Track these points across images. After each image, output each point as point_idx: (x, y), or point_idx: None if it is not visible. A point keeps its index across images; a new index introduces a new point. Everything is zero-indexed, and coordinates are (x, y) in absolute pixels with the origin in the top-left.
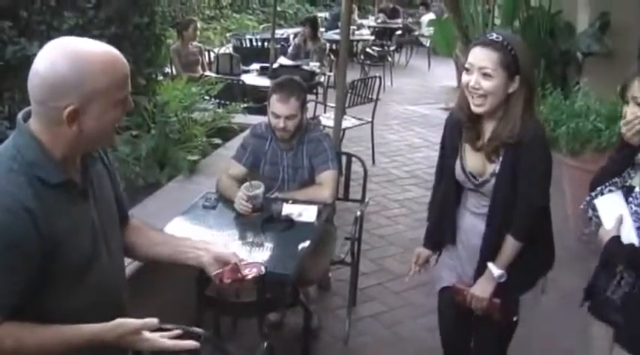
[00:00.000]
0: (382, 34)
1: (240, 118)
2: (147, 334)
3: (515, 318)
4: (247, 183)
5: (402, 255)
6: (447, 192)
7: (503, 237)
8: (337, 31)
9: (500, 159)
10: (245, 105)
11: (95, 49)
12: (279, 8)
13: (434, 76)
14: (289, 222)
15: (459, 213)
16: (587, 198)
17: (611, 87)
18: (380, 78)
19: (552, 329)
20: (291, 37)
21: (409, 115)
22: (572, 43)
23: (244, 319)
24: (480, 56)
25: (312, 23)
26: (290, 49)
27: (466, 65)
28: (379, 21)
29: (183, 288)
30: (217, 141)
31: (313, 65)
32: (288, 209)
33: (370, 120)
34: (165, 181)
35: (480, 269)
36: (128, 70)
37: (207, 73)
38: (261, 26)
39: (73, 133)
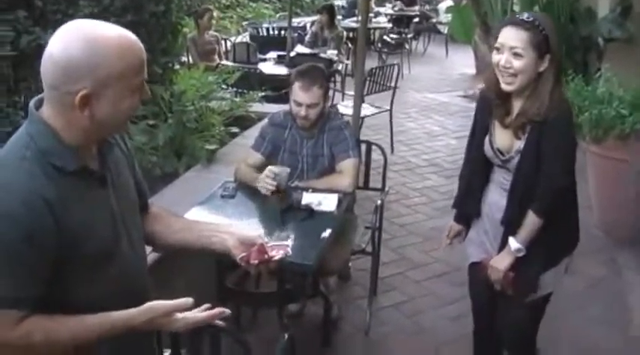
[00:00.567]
0: (399, 21)
1: (257, 107)
2: (178, 314)
3: (535, 297)
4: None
5: (422, 244)
6: (475, 166)
7: (525, 212)
8: (354, 18)
9: (526, 135)
10: (262, 93)
11: (111, 32)
12: None
13: (452, 64)
14: (309, 211)
15: (487, 188)
16: None
17: (634, 72)
18: (398, 66)
19: (579, 319)
20: (308, 25)
21: (428, 103)
22: (593, 29)
23: (264, 310)
24: (511, 36)
25: (329, 11)
26: (307, 38)
27: (496, 44)
28: (396, 8)
29: (203, 280)
30: (235, 130)
31: (331, 53)
32: (308, 198)
33: (389, 108)
34: (183, 171)
35: (504, 245)
36: (144, 55)
37: (224, 61)
38: (278, 15)
39: (85, 119)
